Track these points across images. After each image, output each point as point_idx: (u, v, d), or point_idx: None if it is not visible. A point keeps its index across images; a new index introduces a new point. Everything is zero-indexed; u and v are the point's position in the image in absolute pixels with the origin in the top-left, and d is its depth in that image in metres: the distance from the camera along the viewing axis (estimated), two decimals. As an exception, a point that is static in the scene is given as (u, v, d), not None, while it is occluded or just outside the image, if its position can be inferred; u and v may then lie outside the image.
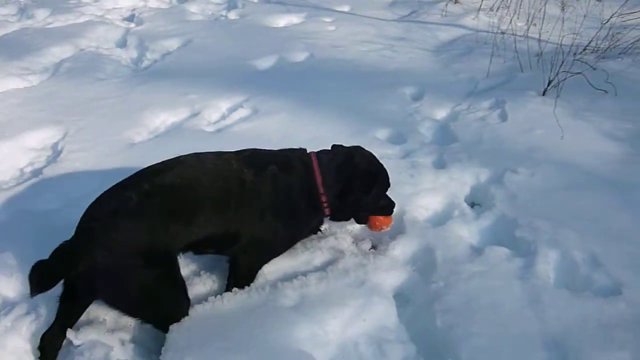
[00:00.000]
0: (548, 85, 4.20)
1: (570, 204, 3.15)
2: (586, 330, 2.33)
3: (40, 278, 2.08)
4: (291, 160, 2.68)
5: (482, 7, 6.02)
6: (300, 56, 5.38)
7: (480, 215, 3.14)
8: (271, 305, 2.44)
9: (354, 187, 2.68)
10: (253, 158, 2.63)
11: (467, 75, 4.78)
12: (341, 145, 2.84)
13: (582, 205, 3.14)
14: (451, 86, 4.62)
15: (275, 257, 2.72)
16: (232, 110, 4.44)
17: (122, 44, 6.12)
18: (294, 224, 2.69)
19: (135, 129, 4.09)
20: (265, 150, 2.75)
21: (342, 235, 2.97)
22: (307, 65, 5.15)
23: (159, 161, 2.54)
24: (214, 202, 2.44)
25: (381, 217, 2.89)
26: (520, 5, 6.09)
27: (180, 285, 2.39)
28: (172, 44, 5.93)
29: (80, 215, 2.26)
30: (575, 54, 4.42)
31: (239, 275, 2.62)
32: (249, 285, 2.59)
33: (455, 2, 6.65)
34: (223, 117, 4.35)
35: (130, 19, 7.00)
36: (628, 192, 3.22)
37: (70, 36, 5.99)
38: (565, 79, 4.14)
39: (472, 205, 3.38)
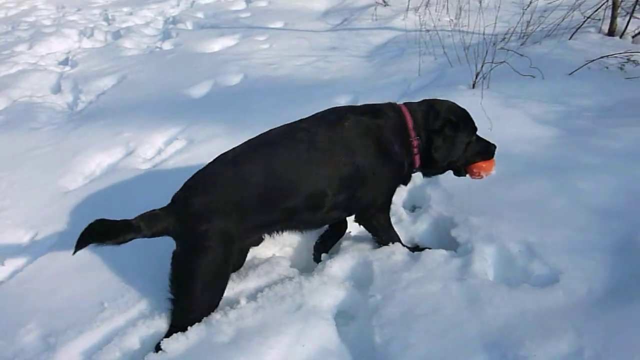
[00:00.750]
0: (476, 78, 4.20)
1: (506, 195, 3.14)
2: (524, 325, 2.29)
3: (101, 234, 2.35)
4: (383, 108, 2.74)
5: (409, 6, 6.03)
6: (235, 79, 5.33)
7: (417, 218, 3.11)
8: (207, 344, 2.37)
9: (439, 132, 2.69)
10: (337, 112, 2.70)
11: (399, 77, 4.78)
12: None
13: (518, 194, 3.12)
14: (385, 90, 4.61)
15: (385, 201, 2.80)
16: (168, 143, 4.37)
17: (57, 89, 6.03)
18: (391, 163, 2.67)
19: (69, 176, 4.00)
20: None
21: (277, 259, 2.91)
22: (241, 87, 5.10)
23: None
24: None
25: (482, 164, 2.88)
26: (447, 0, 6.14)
27: (226, 280, 2.52)
28: (107, 82, 5.84)
29: None
30: (497, 42, 4.44)
31: (377, 231, 2.87)
32: (391, 238, 2.85)
33: (384, 5, 6.66)
34: (159, 152, 4.27)
35: (65, 62, 6.91)
36: (561, 175, 3.22)
37: (2, 88, 5.87)
38: (492, 69, 4.15)
39: (413, 208, 3.35)
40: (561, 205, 2.98)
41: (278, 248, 3.03)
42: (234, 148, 2.63)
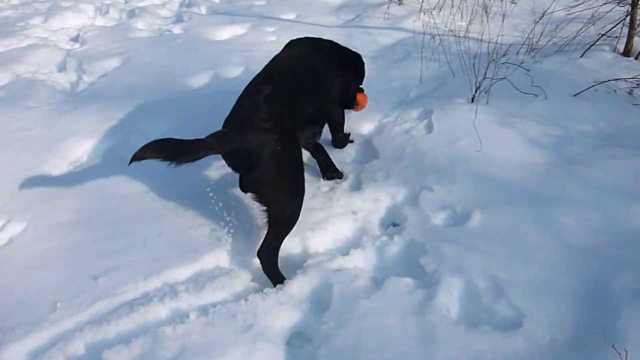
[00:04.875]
0: (475, 92, 4.03)
1: (484, 223, 3.00)
2: (476, 372, 2.19)
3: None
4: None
5: (423, 7, 5.84)
6: (236, 71, 5.22)
7: (390, 241, 2.98)
8: (149, 358, 2.32)
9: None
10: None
11: (400, 82, 4.62)
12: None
13: (494, 224, 2.98)
14: (383, 96, 4.46)
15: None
16: (156, 134, 4.29)
17: (62, 67, 5.97)
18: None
19: (54, 161, 3.94)
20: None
21: (238, 272, 2.83)
22: (240, 81, 4.95)
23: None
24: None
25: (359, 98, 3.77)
26: (464, 2, 5.92)
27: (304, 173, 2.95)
28: (111, 63, 5.78)
29: None
30: (504, 54, 4.24)
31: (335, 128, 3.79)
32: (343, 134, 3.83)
33: (399, 4, 6.47)
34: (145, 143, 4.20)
35: (76, 39, 6.86)
36: (546, 206, 3.07)
37: (8, 62, 5.84)
38: (492, 84, 3.98)
39: (393, 225, 3.24)
40: (538, 240, 2.84)
41: (238, 260, 2.93)
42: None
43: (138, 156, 2.62)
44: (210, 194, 3.18)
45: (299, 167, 2.91)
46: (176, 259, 2.90)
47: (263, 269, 2.83)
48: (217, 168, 3.67)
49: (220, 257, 2.93)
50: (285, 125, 2.84)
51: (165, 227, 3.16)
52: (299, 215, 2.87)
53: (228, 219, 3.10)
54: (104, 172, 3.75)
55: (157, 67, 5.53)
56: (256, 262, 2.89)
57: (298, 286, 2.71)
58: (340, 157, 3.77)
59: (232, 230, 3.05)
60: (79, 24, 7.40)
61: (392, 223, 3.26)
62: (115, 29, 6.90)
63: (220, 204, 3.18)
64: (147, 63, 5.64)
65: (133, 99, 4.82)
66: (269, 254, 2.81)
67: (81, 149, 4.13)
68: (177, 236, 3.08)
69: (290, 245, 3.00)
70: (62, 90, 5.36)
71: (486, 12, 4.97)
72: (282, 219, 2.82)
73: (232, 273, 2.80)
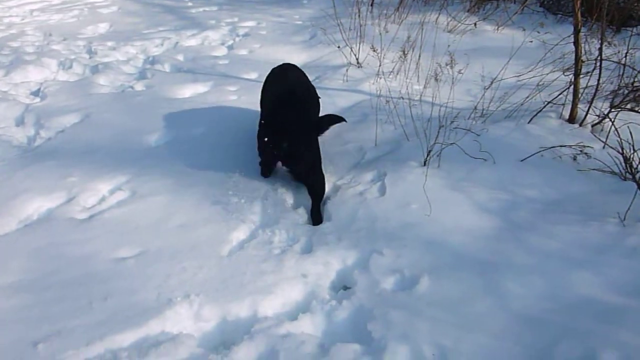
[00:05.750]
0: (427, 156, 4.14)
1: (431, 289, 3.03)
2: None
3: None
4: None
5: (381, 71, 6.02)
6: (194, 130, 5.25)
7: (339, 306, 2.98)
8: None
9: None
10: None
11: (356, 145, 4.71)
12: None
13: (442, 290, 3.02)
14: (339, 158, 4.54)
15: None
16: (112, 192, 4.25)
17: (20, 121, 5.91)
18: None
19: (3, 220, 3.86)
20: None
21: (183, 337, 2.77)
22: (198, 140, 5.02)
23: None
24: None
25: None
26: (419, 68, 6.12)
27: None
28: (69, 119, 5.74)
29: None
30: (455, 119, 4.38)
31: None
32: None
33: (358, 67, 6.66)
34: (100, 201, 4.15)
35: (37, 93, 6.81)
36: (493, 273, 3.12)
37: (-35, 118, 5.77)
38: (442, 149, 4.09)
39: (345, 288, 3.24)
40: (484, 308, 2.88)
41: (184, 325, 2.89)
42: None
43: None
44: (160, 258, 3.15)
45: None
46: (121, 324, 2.83)
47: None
48: (167, 228, 3.66)
49: (166, 322, 2.87)
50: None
51: (112, 290, 3.10)
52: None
53: (176, 281, 3.07)
54: (54, 232, 3.69)
55: (116, 124, 5.52)
56: (203, 325, 2.87)
57: (244, 352, 2.68)
58: (293, 219, 3.79)
59: (179, 295, 3.02)
60: (41, 78, 7.36)
61: (344, 286, 3.27)
62: (77, 85, 6.88)
63: (170, 268, 3.15)
64: (107, 120, 5.63)
65: (89, 156, 4.79)
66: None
67: (32, 207, 4.05)
68: (123, 300, 3.02)
69: (238, 310, 2.98)
70: (17, 146, 5.29)
71: (436, 79, 5.14)
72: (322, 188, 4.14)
73: (177, 339, 2.75)
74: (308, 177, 4.12)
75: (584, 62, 4.83)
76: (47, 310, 2.96)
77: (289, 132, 3.93)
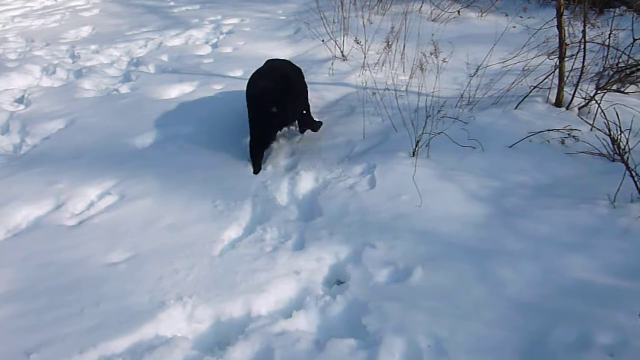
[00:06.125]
0: (416, 146, 4.12)
1: (425, 279, 3.03)
2: None
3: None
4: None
5: (366, 63, 6.00)
6: (182, 130, 5.22)
7: (333, 301, 2.97)
8: None
9: None
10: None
11: (344, 138, 4.69)
12: None
13: (436, 280, 3.01)
14: (327, 152, 4.52)
15: None
16: (101, 197, 4.21)
17: (5, 129, 5.84)
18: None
19: (-9, 229, 3.84)
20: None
21: (177, 340, 2.75)
22: (186, 140, 4.98)
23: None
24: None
25: None
26: (404, 58, 6.10)
27: None
28: (55, 125, 5.68)
29: None
30: (442, 108, 4.37)
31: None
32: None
33: (343, 60, 6.63)
34: (89, 207, 4.11)
35: (21, 100, 6.74)
36: (485, 260, 3.12)
37: (-53, 127, 5.71)
38: (431, 138, 4.08)
39: (338, 282, 3.23)
40: (479, 295, 2.87)
41: (179, 327, 2.86)
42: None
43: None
44: (151, 260, 3.12)
45: None
46: (114, 329, 2.82)
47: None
48: (158, 230, 3.63)
49: (159, 326, 2.86)
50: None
51: (104, 295, 3.08)
52: None
53: (168, 283, 3.04)
54: (42, 239, 3.67)
55: (102, 127, 5.47)
56: (197, 327, 2.85)
57: (240, 352, 2.67)
58: (284, 216, 3.77)
59: (171, 297, 3.00)
60: (25, 85, 7.28)
61: (337, 280, 3.25)
62: (61, 90, 6.81)
63: (161, 270, 3.13)
64: (92, 124, 5.58)
65: (76, 161, 4.75)
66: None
67: (20, 216, 4.02)
68: (115, 305, 3.00)
69: (232, 309, 2.96)
70: (3, 154, 5.23)
71: (421, 68, 5.12)
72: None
73: (171, 342, 2.73)
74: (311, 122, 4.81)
75: (568, 45, 4.83)
76: (38, 319, 2.94)
77: (289, 92, 4.41)
